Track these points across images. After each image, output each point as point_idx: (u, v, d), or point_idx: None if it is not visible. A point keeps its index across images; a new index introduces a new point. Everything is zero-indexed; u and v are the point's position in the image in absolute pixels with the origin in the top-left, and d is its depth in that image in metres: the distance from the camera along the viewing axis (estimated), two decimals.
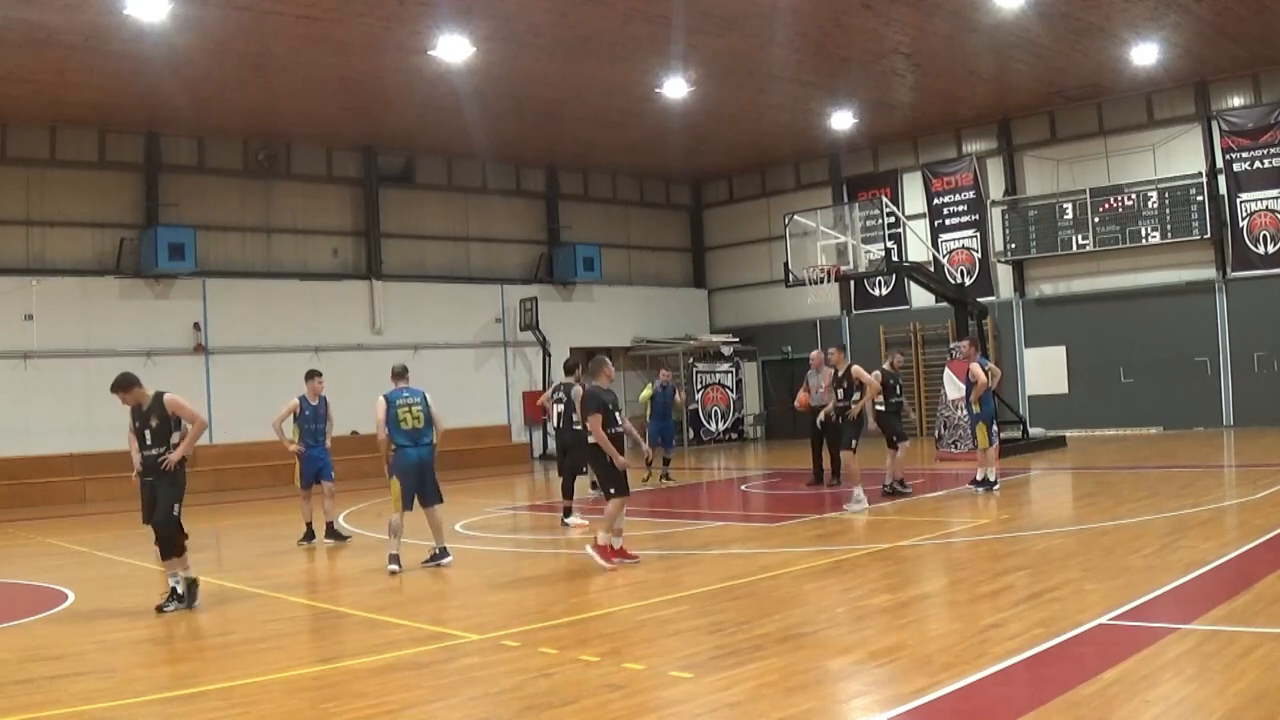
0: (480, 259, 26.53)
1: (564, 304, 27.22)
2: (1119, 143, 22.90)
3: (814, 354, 16.13)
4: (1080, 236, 23.02)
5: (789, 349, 28.00)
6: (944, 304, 21.81)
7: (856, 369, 13.07)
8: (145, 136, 21.50)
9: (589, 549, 9.26)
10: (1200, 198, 21.49)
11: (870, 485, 13.23)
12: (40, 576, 10.21)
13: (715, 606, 7.44)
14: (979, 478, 13.42)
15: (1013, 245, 24.03)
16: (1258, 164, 21.01)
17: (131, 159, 21.51)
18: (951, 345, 19.57)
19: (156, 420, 8.15)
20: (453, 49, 17.02)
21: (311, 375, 12.11)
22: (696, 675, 5.63)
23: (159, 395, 8.25)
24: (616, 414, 9.47)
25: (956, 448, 18.23)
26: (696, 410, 27.43)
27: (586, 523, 12.23)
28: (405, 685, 5.78)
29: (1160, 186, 22.02)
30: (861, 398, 12.86)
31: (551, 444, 20.50)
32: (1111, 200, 22.63)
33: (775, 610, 7.20)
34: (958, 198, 25.13)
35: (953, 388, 18.22)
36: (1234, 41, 19.14)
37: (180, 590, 8.21)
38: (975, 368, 13.72)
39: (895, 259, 21.19)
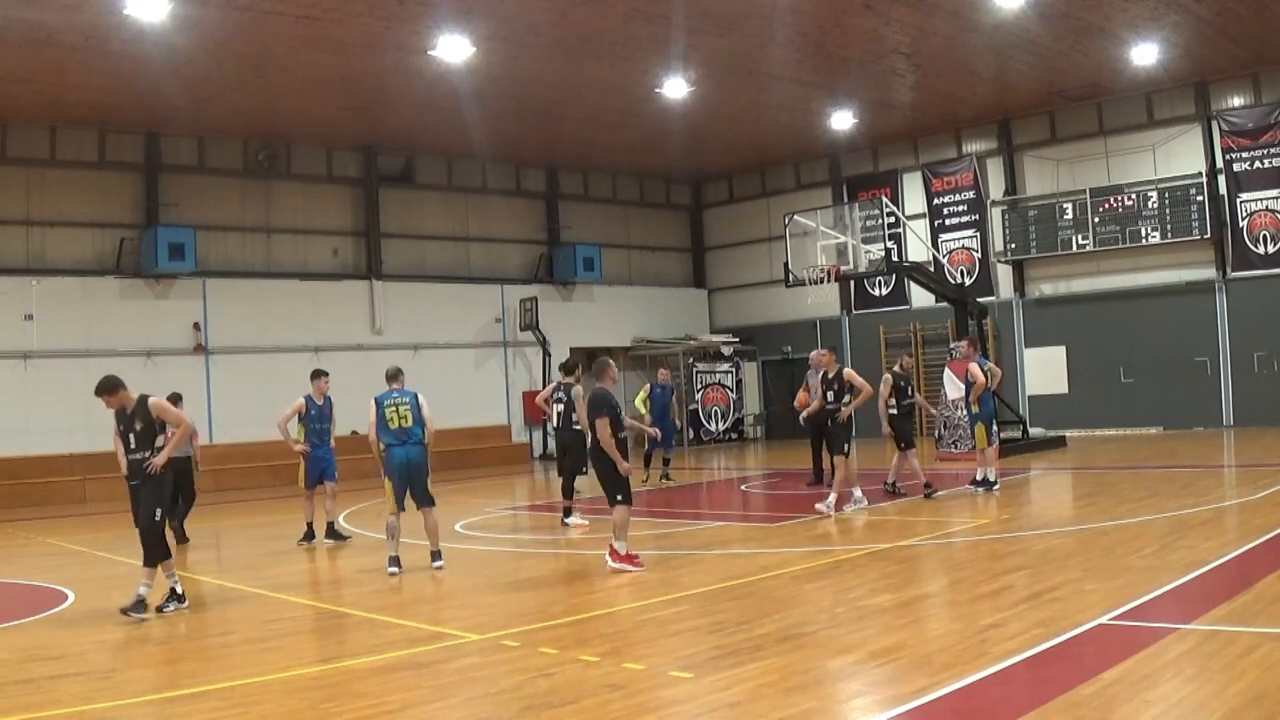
0: (480, 259, 26.53)
1: (564, 304, 27.22)
2: (1119, 143, 22.90)
3: (813, 354, 16.12)
4: (1080, 236, 23.02)
5: (789, 349, 28.00)
6: (944, 304, 21.82)
7: (849, 372, 12.71)
8: (145, 136, 21.51)
9: (611, 564, 9.00)
10: (1200, 198, 21.49)
11: (871, 485, 13.23)
12: (40, 576, 10.21)
13: (715, 606, 7.44)
14: (979, 478, 13.42)
15: (1013, 245, 24.03)
16: (1258, 164, 21.01)
17: (131, 159, 21.51)
18: (951, 345, 19.57)
19: (141, 424, 8.10)
20: (453, 49, 17.01)
21: (317, 375, 12.11)
22: (696, 675, 5.64)
23: (143, 399, 8.20)
24: (622, 417, 9.42)
25: (956, 448, 18.23)
26: (696, 410, 27.44)
27: (586, 523, 12.23)
28: (405, 685, 5.79)
29: (1160, 186, 22.02)
30: (851, 401, 12.45)
31: (551, 444, 20.49)
32: (1111, 200, 22.63)
33: (775, 610, 7.20)
34: (958, 198, 25.14)
35: (953, 388, 18.21)
36: (1234, 41, 19.14)
37: (179, 590, 8.21)
38: (974, 368, 13.71)
39: (895, 259, 21.20)
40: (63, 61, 16.71)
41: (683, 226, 31.13)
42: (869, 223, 22.41)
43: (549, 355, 25.90)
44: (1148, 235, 22.19)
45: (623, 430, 9.30)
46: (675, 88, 20.02)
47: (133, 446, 8.12)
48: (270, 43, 16.73)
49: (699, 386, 27.60)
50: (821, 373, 12.91)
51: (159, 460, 8.04)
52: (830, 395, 12.54)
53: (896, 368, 14.18)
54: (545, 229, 27.67)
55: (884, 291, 26.61)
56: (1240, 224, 21.32)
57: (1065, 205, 23.21)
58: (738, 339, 29.00)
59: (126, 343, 20.50)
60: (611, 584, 8.62)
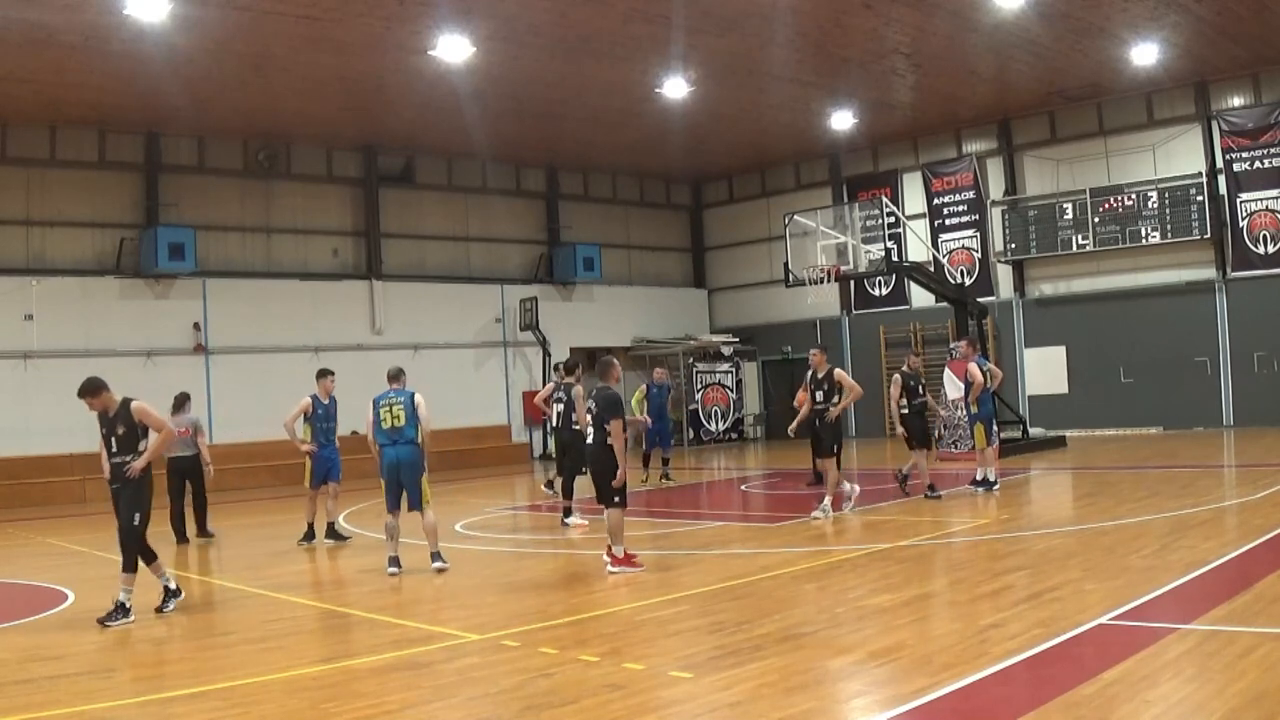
0: (480, 259, 26.53)
1: (564, 304, 27.22)
2: (1119, 143, 22.90)
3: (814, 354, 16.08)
4: (1080, 236, 23.02)
5: (789, 349, 28.00)
6: (944, 304, 21.82)
7: (839, 372, 12.48)
8: (145, 136, 21.50)
9: (611, 568, 8.94)
10: (1200, 198, 21.49)
11: (871, 485, 13.22)
12: (40, 576, 10.21)
13: (715, 606, 7.44)
14: (979, 478, 13.43)
15: (1013, 245, 24.03)
16: (1258, 164, 21.02)
17: (131, 159, 21.51)
18: (951, 345, 19.59)
19: (123, 428, 8.00)
20: (453, 49, 17.01)
21: (323, 374, 12.12)
22: (696, 675, 5.64)
23: (126, 401, 8.08)
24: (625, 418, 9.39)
25: (957, 448, 18.24)
26: (696, 410, 27.45)
27: (586, 523, 12.22)
28: (405, 685, 5.79)
29: (1160, 186, 22.02)
30: (840, 401, 12.28)
31: (551, 443, 20.48)
32: (1111, 200, 22.63)
33: (775, 610, 7.20)
34: (958, 198, 25.14)
35: (953, 388, 18.22)
36: (1234, 41, 19.14)
37: (173, 586, 8.16)
38: (973, 368, 13.70)
39: (895, 259, 21.20)
40: (63, 61, 16.71)
41: (683, 226, 31.13)
42: (869, 223, 22.41)
43: (549, 355, 25.89)
44: (1148, 235, 22.19)
45: (625, 430, 9.28)
46: (675, 88, 20.02)
47: (114, 450, 8.03)
48: (270, 43, 16.73)
49: (699, 386, 27.60)
50: (810, 372, 12.69)
51: (138, 465, 7.93)
52: (819, 395, 12.29)
53: (905, 367, 13.95)
54: (545, 229, 27.66)
55: (884, 291, 26.61)
56: (1240, 224, 21.32)
57: (1065, 205, 23.21)
58: (738, 339, 28.99)
59: (126, 343, 20.50)
60: (611, 584, 8.62)
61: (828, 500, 12.00)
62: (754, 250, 29.24)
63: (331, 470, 11.85)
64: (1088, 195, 22.88)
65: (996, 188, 24.67)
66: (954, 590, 7.75)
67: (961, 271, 24.86)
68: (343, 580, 9.93)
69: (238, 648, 7.07)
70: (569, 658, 6.17)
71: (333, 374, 12.18)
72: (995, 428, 14.16)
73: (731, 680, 5.50)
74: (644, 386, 17.53)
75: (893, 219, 23.79)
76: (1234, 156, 21.26)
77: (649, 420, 15.96)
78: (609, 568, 8.99)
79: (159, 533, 12.87)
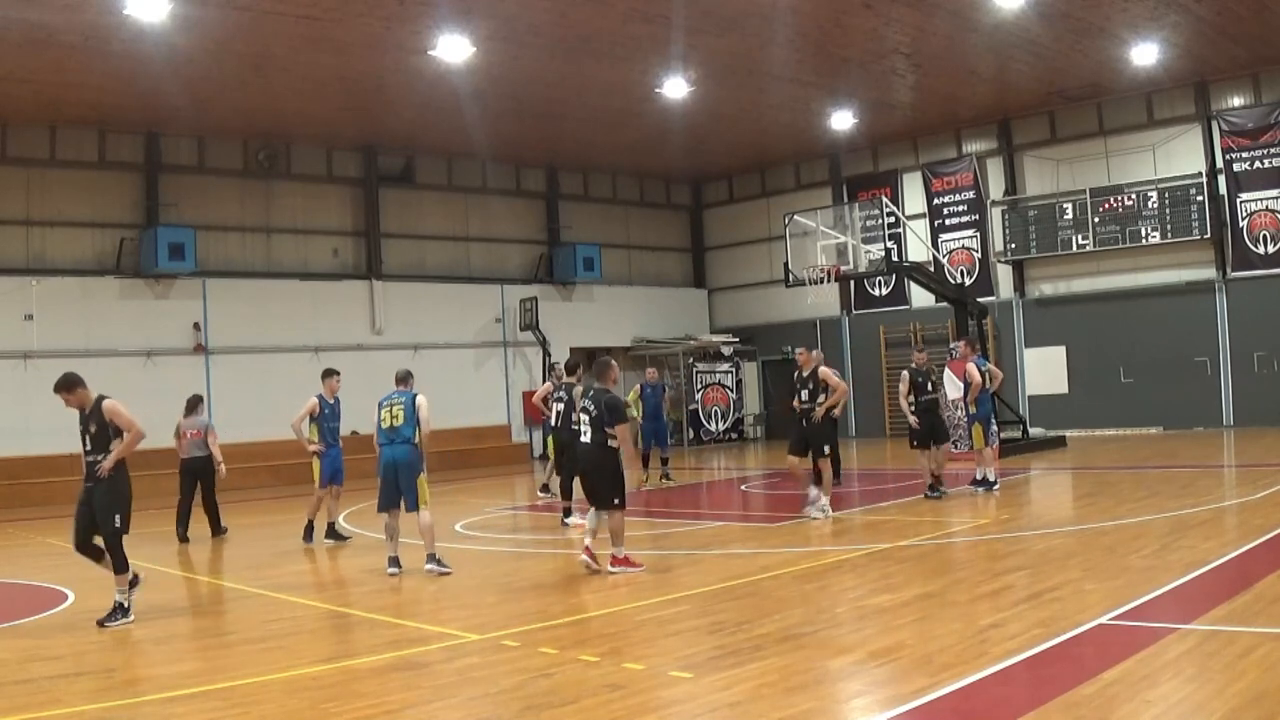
0: (480, 259, 26.53)
1: (564, 304, 27.22)
2: (1119, 143, 22.90)
3: (814, 353, 16.06)
4: (1080, 236, 23.02)
5: (789, 349, 27.98)
6: (944, 304, 21.82)
7: (824, 370, 12.22)
8: (145, 136, 21.50)
9: (611, 568, 8.92)
10: (1200, 198, 21.49)
11: (871, 485, 13.21)
12: (40, 576, 10.20)
13: (715, 606, 7.44)
14: (979, 477, 13.42)
15: (1013, 245, 24.03)
16: (1258, 164, 21.02)
17: (131, 159, 21.51)
18: (951, 345, 19.59)
19: (95, 426, 7.87)
20: (453, 49, 17.01)
21: (329, 374, 12.15)
22: (696, 675, 5.63)
23: (99, 400, 7.95)
24: None
25: (957, 447, 18.19)
26: (696, 410, 27.45)
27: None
28: (405, 685, 5.79)
29: (1160, 186, 22.02)
30: (827, 400, 12.01)
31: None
32: (1111, 200, 22.63)
33: (775, 610, 7.19)
34: (958, 198, 25.14)
35: (953, 388, 18.18)
36: (1234, 41, 19.14)
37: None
38: (971, 368, 13.68)
39: (895, 259, 21.19)
40: (63, 61, 16.70)
41: (683, 226, 31.13)
42: (869, 223, 22.41)
43: (549, 355, 25.89)
44: (1148, 235, 22.19)
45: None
46: (675, 88, 20.02)
47: (88, 448, 7.89)
48: (270, 43, 16.73)
49: (699, 386, 27.60)
50: (796, 371, 12.51)
51: (106, 464, 7.78)
52: (805, 394, 12.09)
53: (913, 364, 13.70)
54: (545, 229, 27.66)
55: (884, 291, 26.61)
56: (1240, 224, 21.32)
57: (1065, 205, 23.21)
58: (738, 339, 29.00)
59: (126, 343, 20.51)
60: (611, 584, 8.61)
61: (825, 500, 11.97)
62: (754, 250, 29.24)
63: (337, 471, 11.87)
64: (1088, 195, 22.88)
65: (996, 188, 24.68)
66: (954, 590, 7.75)
67: (961, 271, 24.87)
68: (343, 580, 9.92)
69: (238, 648, 7.07)
70: (569, 658, 6.17)
71: (338, 374, 12.23)
72: (994, 428, 14.14)
73: (731, 680, 5.50)
74: (639, 387, 17.57)
75: (893, 219, 23.79)
76: (1234, 156, 21.26)
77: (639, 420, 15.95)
78: (609, 568, 8.98)
79: (164, 533, 12.94)
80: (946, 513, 11.89)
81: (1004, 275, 24.75)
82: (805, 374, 12.24)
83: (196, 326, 21.62)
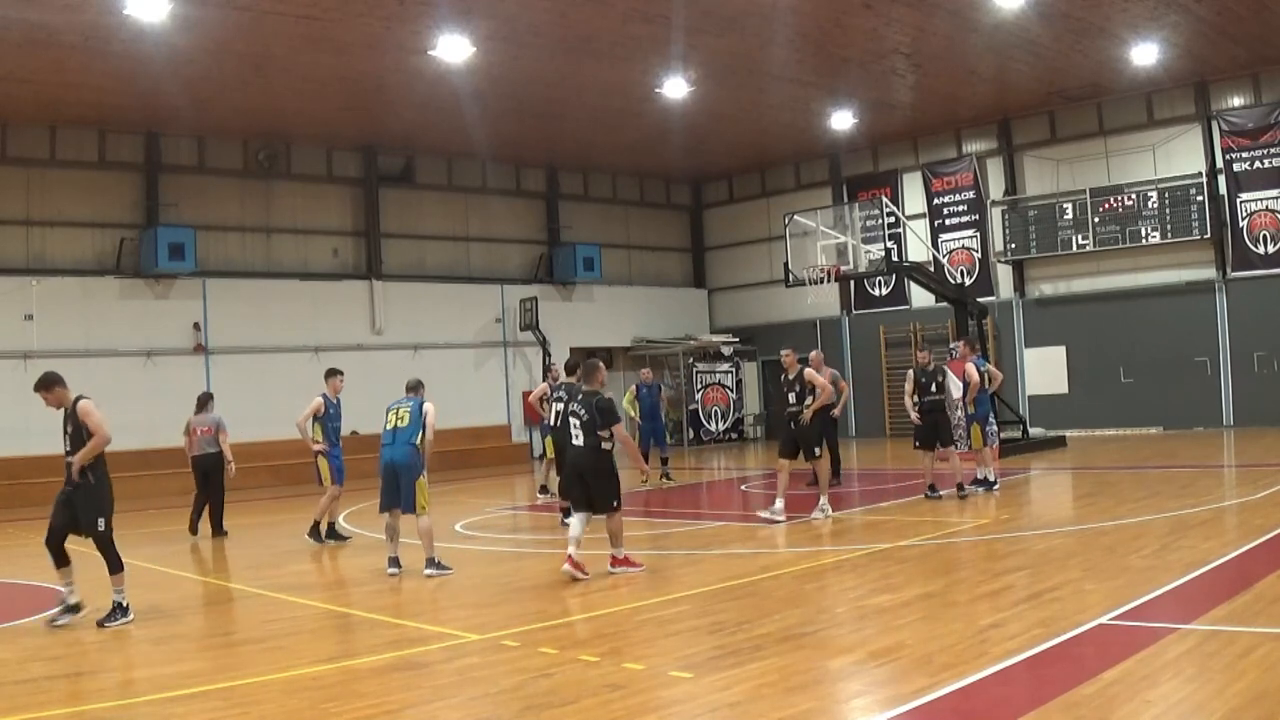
0: (480, 259, 26.53)
1: (564, 304, 27.22)
2: (1119, 143, 22.90)
3: (813, 354, 16.05)
4: (1080, 236, 23.02)
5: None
6: (944, 304, 21.82)
7: (809, 372, 12.12)
8: (145, 136, 21.50)
9: (611, 568, 8.92)
10: (1200, 198, 21.49)
11: (871, 485, 13.21)
12: (40, 576, 10.18)
13: (715, 606, 7.44)
14: (979, 477, 13.43)
15: (1013, 245, 24.03)
16: (1258, 164, 21.01)
17: (131, 159, 21.50)
18: (951, 345, 19.59)
19: (73, 426, 7.80)
20: (453, 49, 17.01)
21: (332, 374, 12.15)
22: (696, 675, 5.64)
23: (76, 400, 7.90)
24: None
25: (956, 447, 18.21)
26: (696, 410, 27.44)
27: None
28: (405, 685, 5.79)
29: (1160, 186, 22.02)
30: (814, 402, 11.87)
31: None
32: (1111, 200, 22.63)
33: (775, 610, 7.19)
34: (958, 198, 25.14)
35: (954, 387, 18.21)
36: (1234, 41, 19.14)
37: (73, 602, 7.80)
38: (970, 368, 13.69)
39: (895, 259, 21.19)
40: (63, 61, 16.70)
41: (683, 226, 31.12)
42: (869, 223, 22.40)
43: (549, 355, 25.89)
44: (1148, 235, 22.19)
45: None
46: (675, 88, 20.02)
47: (68, 448, 7.84)
48: (270, 43, 16.73)
49: (699, 386, 27.60)
50: (783, 374, 12.38)
51: (75, 464, 7.71)
52: (793, 397, 11.95)
53: (917, 364, 13.66)
54: (545, 229, 27.66)
55: (884, 291, 26.61)
56: (1240, 224, 21.32)
57: (1065, 205, 23.21)
58: (738, 339, 28.99)
59: (126, 343, 20.50)
60: (611, 584, 8.61)
61: (825, 500, 11.97)
62: (754, 250, 29.24)
63: (339, 471, 11.88)
64: (1088, 195, 22.88)
65: (996, 188, 24.67)
66: (954, 590, 7.75)
67: (961, 271, 24.86)
68: (343, 580, 9.93)
69: (238, 648, 7.07)
70: (569, 658, 6.17)
71: (342, 373, 12.23)
72: (994, 428, 14.15)
73: (731, 680, 5.50)
74: (634, 387, 17.59)
75: (893, 219, 23.79)
76: (1234, 156, 21.26)
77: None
78: (609, 568, 8.98)
79: (164, 532, 12.93)
80: (946, 513, 11.89)
81: (1004, 275, 24.75)
82: (791, 376, 12.13)
83: (196, 326, 21.62)
